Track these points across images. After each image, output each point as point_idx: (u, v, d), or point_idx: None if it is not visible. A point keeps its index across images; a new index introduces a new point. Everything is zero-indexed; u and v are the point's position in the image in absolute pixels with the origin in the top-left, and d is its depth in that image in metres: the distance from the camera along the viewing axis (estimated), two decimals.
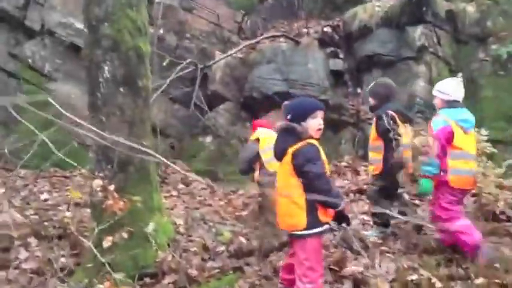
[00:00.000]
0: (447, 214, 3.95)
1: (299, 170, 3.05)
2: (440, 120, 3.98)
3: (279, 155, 3.19)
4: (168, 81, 6.30)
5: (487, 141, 5.27)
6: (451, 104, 4.09)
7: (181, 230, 4.80)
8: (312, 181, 3.03)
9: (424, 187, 3.99)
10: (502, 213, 4.81)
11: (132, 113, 4.25)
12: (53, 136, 7.58)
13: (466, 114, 4.12)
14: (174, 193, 6.78)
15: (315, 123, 3.18)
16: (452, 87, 4.18)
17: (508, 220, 4.72)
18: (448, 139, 3.91)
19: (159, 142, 7.68)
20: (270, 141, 4.22)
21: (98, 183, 3.48)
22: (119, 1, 4.21)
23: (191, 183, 7.22)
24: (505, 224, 4.65)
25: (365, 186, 6.19)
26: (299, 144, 3.09)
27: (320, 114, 3.25)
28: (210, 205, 6.12)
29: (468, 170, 3.97)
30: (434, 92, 4.27)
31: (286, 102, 3.41)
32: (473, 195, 5.24)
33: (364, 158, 7.30)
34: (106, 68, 4.18)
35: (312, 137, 3.15)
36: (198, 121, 8.57)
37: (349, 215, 3.44)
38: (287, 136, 3.16)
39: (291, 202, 3.09)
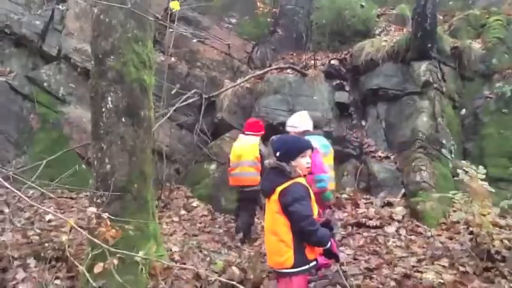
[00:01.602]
0: None
1: (286, 209, 3.10)
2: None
3: (267, 193, 3.26)
4: (171, 110, 6.49)
5: (484, 179, 5.26)
6: (302, 134, 4.67)
7: (176, 257, 4.89)
8: (298, 221, 3.08)
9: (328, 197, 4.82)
10: (497, 253, 4.80)
11: (133, 142, 4.41)
12: (61, 157, 7.80)
13: (325, 141, 5.07)
14: (175, 219, 6.88)
15: (303, 162, 3.28)
16: (297, 121, 4.98)
17: (502, 260, 4.70)
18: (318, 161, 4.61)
19: (165, 167, 7.85)
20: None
21: (91, 210, 3.61)
22: (125, 35, 4.42)
23: (193, 209, 7.31)
24: (500, 264, 4.64)
25: (364, 220, 6.25)
26: (287, 183, 3.15)
27: (309, 153, 3.36)
28: (209, 232, 6.19)
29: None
30: (287, 128, 4.99)
31: (274, 138, 3.52)
32: (470, 233, 5.27)
33: (366, 190, 7.36)
34: (110, 98, 4.37)
35: (300, 176, 3.24)
36: (203, 148, 8.74)
37: (341, 250, 3.51)
38: (276, 175, 3.23)
39: (279, 240, 3.14)
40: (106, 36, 4.37)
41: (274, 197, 3.16)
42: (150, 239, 4.46)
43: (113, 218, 3.77)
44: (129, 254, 3.77)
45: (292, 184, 3.15)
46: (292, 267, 3.11)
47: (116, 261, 3.65)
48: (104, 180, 4.27)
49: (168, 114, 6.41)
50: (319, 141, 4.82)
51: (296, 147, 3.33)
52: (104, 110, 4.35)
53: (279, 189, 3.15)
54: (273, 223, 3.19)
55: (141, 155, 4.48)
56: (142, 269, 3.75)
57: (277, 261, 3.16)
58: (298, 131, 4.86)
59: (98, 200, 4.26)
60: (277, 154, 3.27)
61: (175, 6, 6.59)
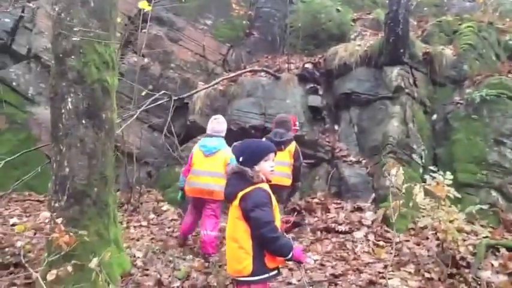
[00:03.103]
0: None
1: (247, 215, 3.01)
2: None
3: (229, 198, 3.17)
4: (138, 112, 6.34)
5: (453, 185, 5.26)
6: (207, 135, 5.80)
7: (139, 263, 4.77)
8: (258, 227, 2.99)
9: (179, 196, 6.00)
10: (463, 258, 4.81)
11: (93, 145, 4.29)
12: (29, 159, 7.56)
13: (208, 142, 5.63)
14: (144, 223, 6.74)
15: (267, 166, 3.20)
16: (208, 125, 5.90)
17: (467, 266, 4.71)
18: (190, 160, 5.70)
19: (135, 170, 7.70)
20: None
21: (45, 215, 3.50)
22: (87, 35, 4.30)
23: (163, 213, 7.19)
24: (464, 270, 4.64)
25: (333, 225, 6.22)
26: (249, 189, 3.06)
27: (272, 156, 3.28)
28: (177, 237, 6.08)
29: (197, 183, 5.49)
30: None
31: (236, 145, 3.44)
32: (437, 239, 5.28)
33: (337, 195, 7.33)
34: (70, 99, 4.25)
35: (263, 181, 3.16)
36: (175, 151, 8.61)
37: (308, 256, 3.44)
38: (238, 180, 3.14)
39: (238, 247, 3.05)
40: (67, 36, 4.25)
41: (236, 202, 3.08)
42: (111, 244, 4.35)
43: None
44: (81, 263, 3.68)
45: (253, 189, 3.06)
46: (251, 275, 3.01)
47: (70, 268, 3.56)
48: (63, 183, 4.14)
49: (135, 116, 6.26)
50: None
51: (259, 151, 3.24)
52: (63, 111, 4.23)
53: (240, 194, 3.06)
54: (234, 229, 3.10)
55: (102, 158, 4.37)
56: (98, 275, 3.61)
57: (236, 268, 3.07)
58: (207, 132, 5.82)
59: (56, 204, 4.13)
60: (240, 159, 3.17)
61: (144, 5, 6.51)
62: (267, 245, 3.03)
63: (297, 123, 6.69)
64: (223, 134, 5.82)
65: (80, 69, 4.24)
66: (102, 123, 4.38)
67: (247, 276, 3.03)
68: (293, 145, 6.16)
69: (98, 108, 4.35)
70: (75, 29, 4.25)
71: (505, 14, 10.66)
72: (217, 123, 5.81)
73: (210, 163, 5.48)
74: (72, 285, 3.88)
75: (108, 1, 4.51)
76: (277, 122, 6.42)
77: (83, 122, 4.26)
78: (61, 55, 4.26)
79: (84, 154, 4.23)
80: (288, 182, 5.97)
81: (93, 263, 3.40)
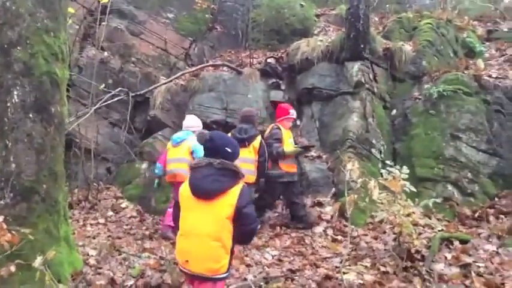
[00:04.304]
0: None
1: (238, 212, 2.91)
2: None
3: (214, 194, 2.94)
4: (93, 109, 6.18)
5: (409, 179, 5.31)
6: (181, 130, 6.40)
7: (92, 261, 4.63)
8: (250, 223, 2.97)
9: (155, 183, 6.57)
10: (417, 252, 4.86)
11: (41, 139, 4.12)
12: None
13: (176, 135, 6.30)
14: (101, 221, 6.59)
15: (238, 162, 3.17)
16: (184, 121, 6.51)
17: (421, 259, 4.76)
18: (164, 153, 6.41)
19: (93, 166, 7.52)
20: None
21: None
22: (34, 25, 4.13)
23: (121, 210, 7.03)
24: (418, 263, 4.70)
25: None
26: (240, 185, 2.98)
27: None
28: (134, 234, 5.95)
29: (168, 170, 6.11)
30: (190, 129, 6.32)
31: (213, 135, 3.19)
32: (394, 233, 5.33)
33: None
34: (16, 92, 4.06)
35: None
36: (136, 146, 8.45)
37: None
38: (226, 176, 2.98)
39: (220, 246, 2.93)
40: (12, 25, 4.06)
41: (228, 200, 2.92)
42: (61, 243, 4.20)
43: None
44: (27, 262, 3.53)
45: (244, 186, 3.01)
46: (223, 273, 2.98)
47: (13, 268, 3.41)
48: (9, 180, 3.96)
49: (90, 112, 6.09)
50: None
51: (238, 146, 3.20)
52: (9, 105, 4.04)
53: (233, 191, 2.94)
54: (219, 229, 2.92)
55: (51, 153, 4.20)
56: (44, 275, 3.47)
57: (212, 267, 2.93)
58: (183, 126, 6.40)
59: (1, 202, 3.95)
60: (226, 155, 3.04)
61: None
62: (249, 237, 3.19)
63: (291, 111, 6.65)
64: (194, 129, 6.30)
65: (26, 60, 4.07)
66: (51, 117, 4.21)
67: (221, 274, 2.97)
68: (258, 140, 6.14)
69: (47, 101, 4.18)
70: (21, 18, 4.06)
71: (463, 12, 10.93)
72: (187, 120, 6.52)
73: (176, 151, 6.12)
74: (19, 286, 3.73)
75: None
76: (242, 116, 6.44)
77: (30, 116, 4.08)
78: (6, 46, 4.06)
79: (32, 149, 4.06)
80: (252, 179, 5.91)
81: (37, 262, 3.26)
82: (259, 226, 3.16)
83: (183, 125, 6.44)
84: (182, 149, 6.06)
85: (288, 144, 6.32)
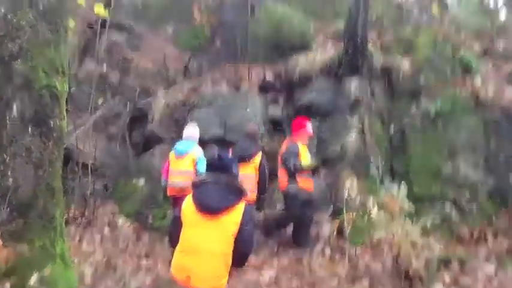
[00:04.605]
0: None
1: (241, 230, 2.96)
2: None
3: (220, 210, 2.97)
4: (92, 119, 6.16)
5: (409, 197, 5.30)
6: (182, 139, 6.34)
7: (88, 280, 4.56)
8: (250, 243, 3.08)
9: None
10: (416, 272, 4.82)
11: (40, 154, 4.08)
12: None
13: (179, 146, 6.21)
14: (98, 237, 6.51)
15: None
16: (185, 130, 6.45)
17: (420, 280, 4.72)
18: (166, 164, 6.27)
19: (90, 181, 7.45)
20: None
21: None
22: (35, 38, 4.12)
23: (118, 227, 6.95)
24: (417, 284, 4.65)
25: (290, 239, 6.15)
26: (243, 203, 3.06)
27: None
28: (130, 252, 5.88)
29: (170, 182, 6.02)
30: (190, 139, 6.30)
31: (222, 159, 3.23)
32: (392, 253, 5.29)
33: None
34: (15, 106, 4.04)
35: None
36: (133, 161, 8.39)
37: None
38: (230, 192, 3.05)
39: (225, 263, 2.97)
40: (13, 38, 4.05)
41: (234, 217, 2.97)
42: (56, 260, 4.13)
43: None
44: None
45: (247, 205, 3.09)
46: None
47: (8, 286, 3.35)
48: (6, 195, 3.90)
49: (88, 125, 6.05)
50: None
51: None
52: (8, 118, 4.00)
53: (238, 208, 3.00)
54: (225, 245, 2.97)
55: (50, 168, 4.16)
56: None
57: (214, 285, 2.96)
58: (183, 136, 6.35)
59: None
60: (234, 173, 3.19)
61: (99, 11, 6.32)
62: (246, 257, 3.16)
63: (307, 124, 6.52)
64: (194, 138, 6.33)
65: (26, 73, 4.05)
66: (50, 131, 4.18)
67: None
68: (259, 156, 6.15)
69: (46, 115, 4.15)
70: (22, 31, 4.05)
71: (460, 29, 10.99)
72: (189, 129, 6.45)
73: (180, 163, 6.03)
74: None
75: (58, 4, 4.33)
76: (245, 133, 6.45)
77: (29, 129, 4.05)
78: (7, 58, 4.04)
79: (30, 164, 4.02)
80: (253, 196, 5.83)
81: (33, 279, 3.20)
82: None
83: (184, 134, 6.38)
84: (186, 161, 5.98)
85: (306, 159, 6.20)
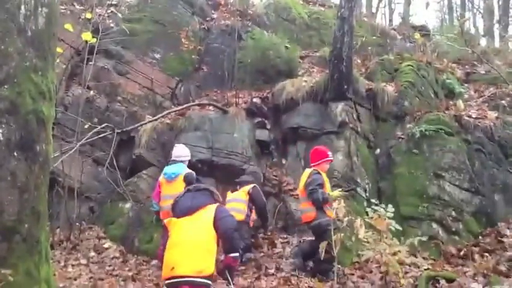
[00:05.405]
0: None
1: (219, 220, 3.57)
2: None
3: (196, 209, 3.60)
4: (78, 145, 6.18)
5: (395, 218, 5.36)
6: (169, 162, 6.47)
7: None
8: (230, 228, 3.58)
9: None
10: None
11: (25, 178, 4.07)
12: None
13: (168, 169, 6.30)
14: (83, 261, 6.45)
15: None
16: (173, 151, 6.58)
17: None
18: (157, 188, 6.40)
19: (76, 205, 7.41)
20: None
21: None
22: (22, 64, 4.15)
23: (104, 250, 6.89)
24: None
25: (278, 260, 6.14)
26: (216, 204, 3.74)
27: None
28: (116, 275, 5.82)
29: (163, 207, 6.04)
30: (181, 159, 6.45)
31: (200, 181, 4.36)
32: (380, 272, 5.31)
33: (284, 229, 7.29)
34: (1, 130, 4.04)
35: None
36: (120, 185, 8.35)
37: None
38: (200, 195, 3.75)
39: (205, 249, 3.42)
40: (1, 65, 4.08)
41: (207, 213, 3.59)
42: (41, 285, 4.08)
43: None
44: None
45: (221, 205, 3.83)
46: (210, 277, 3.35)
47: None
48: None
49: (74, 149, 6.09)
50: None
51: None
52: None
53: (210, 207, 3.64)
54: (203, 232, 3.49)
55: (35, 191, 4.13)
56: None
57: (198, 268, 3.29)
58: (171, 158, 6.50)
59: None
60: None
61: (86, 37, 6.40)
62: (231, 241, 3.63)
63: (329, 153, 6.44)
64: (184, 159, 6.50)
65: (13, 99, 4.06)
66: (36, 155, 4.17)
67: (208, 277, 3.32)
68: (249, 186, 6.56)
69: (32, 140, 4.15)
70: (10, 57, 4.09)
71: (442, 55, 11.31)
72: (177, 149, 6.59)
73: (171, 187, 6.05)
74: None
75: (46, 30, 4.39)
76: (249, 171, 7.18)
77: (15, 154, 4.03)
78: None
79: (15, 188, 3.99)
80: (241, 217, 6.04)
81: None
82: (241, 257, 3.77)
83: (173, 155, 6.52)
84: (177, 184, 5.84)
85: (329, 188, 6.08)
